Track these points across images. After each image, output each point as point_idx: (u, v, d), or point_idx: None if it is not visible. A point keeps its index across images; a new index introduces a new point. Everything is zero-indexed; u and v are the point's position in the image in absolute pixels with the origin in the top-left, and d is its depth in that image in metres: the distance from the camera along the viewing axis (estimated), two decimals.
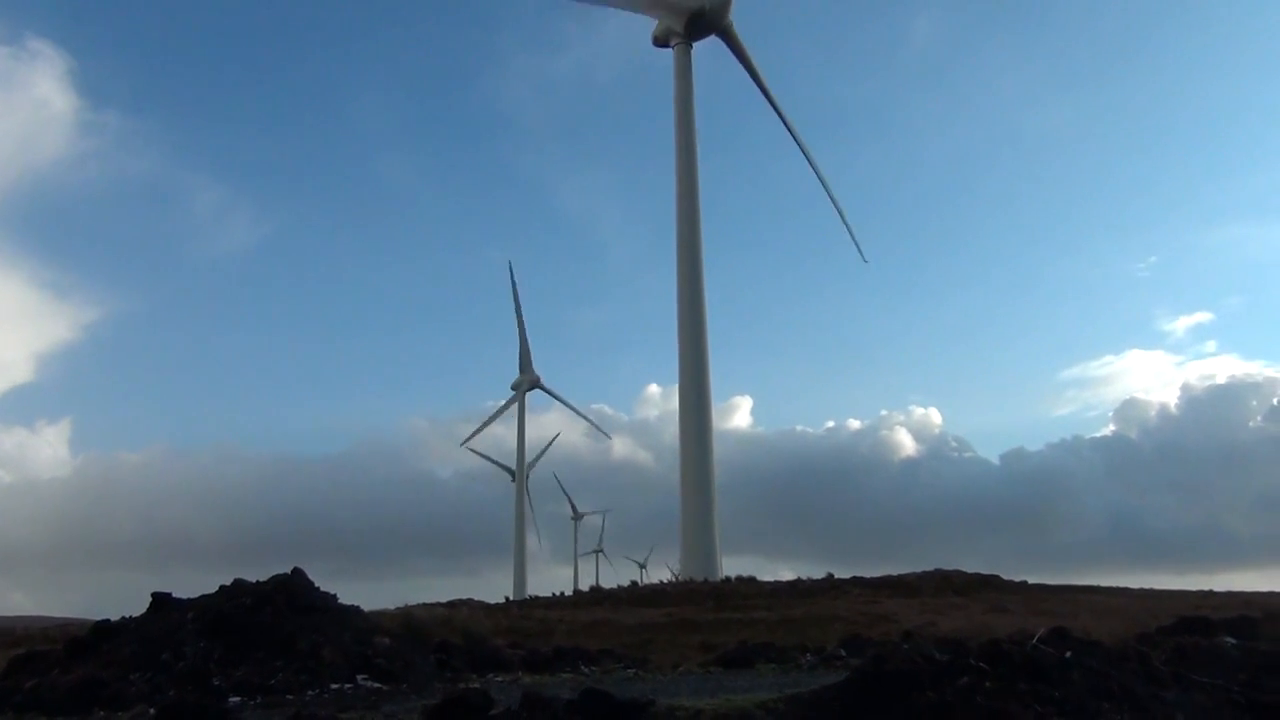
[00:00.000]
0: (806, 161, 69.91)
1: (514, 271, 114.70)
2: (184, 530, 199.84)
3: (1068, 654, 12.14)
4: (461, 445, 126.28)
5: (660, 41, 70.17)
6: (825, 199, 71.02)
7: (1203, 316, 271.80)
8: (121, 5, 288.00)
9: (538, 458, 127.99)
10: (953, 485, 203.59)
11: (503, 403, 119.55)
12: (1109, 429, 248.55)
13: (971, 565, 59.02)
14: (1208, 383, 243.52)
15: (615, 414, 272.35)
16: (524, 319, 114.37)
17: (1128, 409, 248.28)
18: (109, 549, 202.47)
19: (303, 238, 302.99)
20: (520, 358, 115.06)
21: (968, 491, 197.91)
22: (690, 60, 68.43)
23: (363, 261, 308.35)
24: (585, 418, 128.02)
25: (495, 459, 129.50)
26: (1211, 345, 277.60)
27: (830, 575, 56.88)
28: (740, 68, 68.13)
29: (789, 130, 69.29)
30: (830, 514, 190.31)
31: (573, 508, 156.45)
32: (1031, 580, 57.39)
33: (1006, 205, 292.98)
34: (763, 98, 68.97)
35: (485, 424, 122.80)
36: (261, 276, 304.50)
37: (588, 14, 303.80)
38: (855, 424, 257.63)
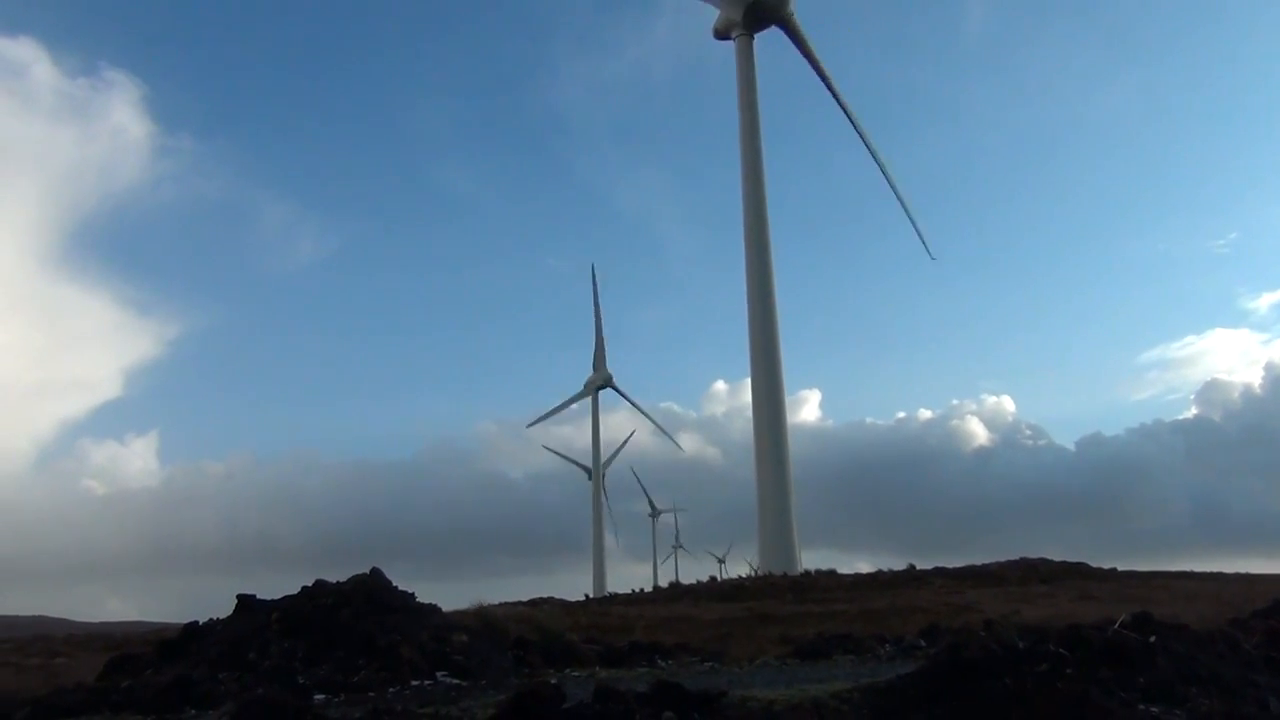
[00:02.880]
0: (871, 156, 68.78)
1: (595, 273, 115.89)
2: (267, 535, 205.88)
3: (1152, 638, 11.82)
4: (529, 426, 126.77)
5: (721, 34, 69.78)
6: (889, 189, 69.82)
7: None
8: (190, 33, 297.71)
9: (612, 457, 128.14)
10: (1027, 473, 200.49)
11: (571, 395, 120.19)
12: (1191, 412, 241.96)
13: (1051, 554, 57.73)
14: None
15: (683, 411, 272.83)
16: (602, 319, 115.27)
17: (1210, 390, 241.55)
18: (198, 555, 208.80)
19: (369, 247, 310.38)
20: (595, 356, 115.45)
21: (1043, 479, 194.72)
22: (752, 52, 67.90)
23: (427, 268, 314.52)
24: (654, 423, 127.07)
25: (570, 456, 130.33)
26: None
27: (912, 566, 56.05)
28: (801, 59, 67.47)
29: (852, 123, 68.32)
30: (904, 506, 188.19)
31: (650, 505, 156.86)
32: (1120, 568, 55.94)
33: (1076, 187, 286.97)
34: (824, 89, 68.21)
35: (553, 411, 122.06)
36: (331, 287, 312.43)
37: (640, 14, 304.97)
38: (926, 414, 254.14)
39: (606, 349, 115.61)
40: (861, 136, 68.57)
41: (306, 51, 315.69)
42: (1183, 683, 10.96)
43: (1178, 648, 11.68)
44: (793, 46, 67.44)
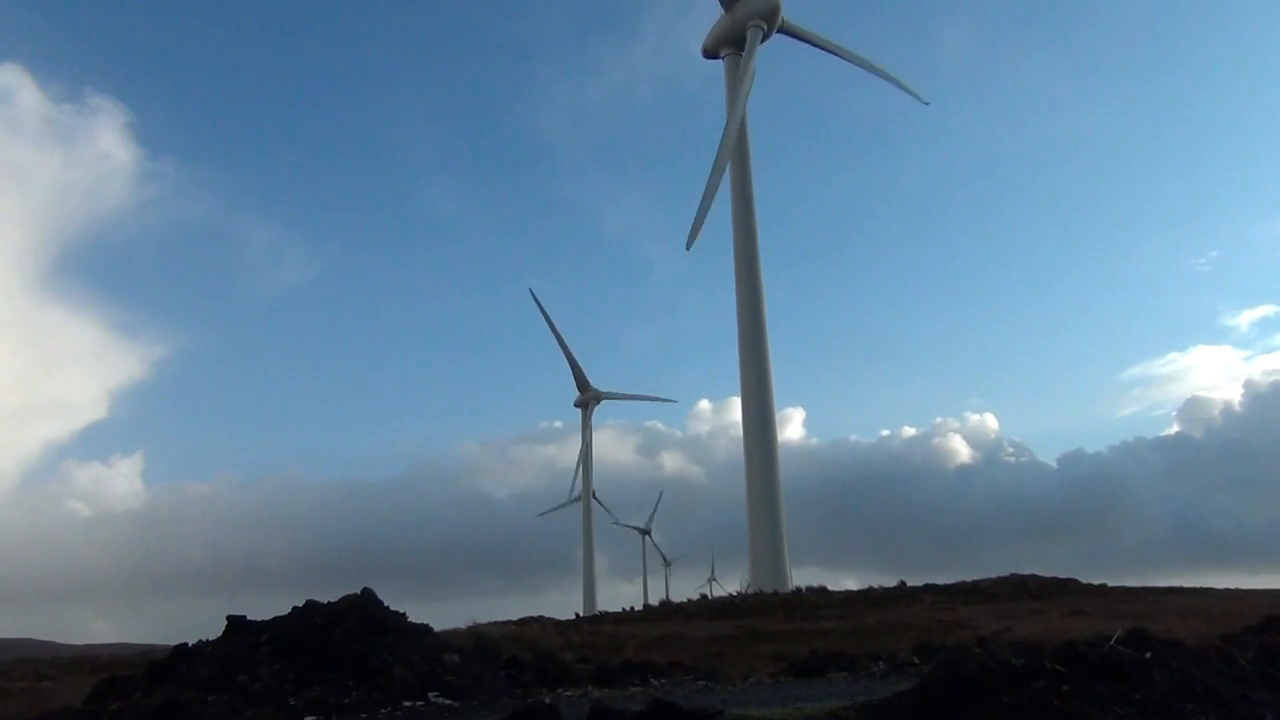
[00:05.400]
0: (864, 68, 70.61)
1: (537, 296, 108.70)
2: (253, 556, 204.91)
3: (1147, 655, 11.80)
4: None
5: (710, 53, 70.16)
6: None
7: (1267, 309, 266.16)
8: (175, 59, 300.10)
9: (584, 464, 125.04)
10: (1010, 491, 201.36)
11: (577, 436, 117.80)
12: (1174, 429, 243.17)
13: (1033, 570, 57.92)
14: (1271, 378, 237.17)
15: (667, 430, 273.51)
16: (565, 340, 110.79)
17: (1191, 407, 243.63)
18: (184, 577, 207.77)
19: (353, 271, 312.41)
20: (575, 378, 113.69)
21: (1025, 497, 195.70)
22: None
23: (411, 291, 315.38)
24: (649, 398, 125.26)
25: (564, 501, 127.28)
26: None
27: (902, 583, 55.96)
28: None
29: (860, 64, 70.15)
30: (888, 524, 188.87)
31: (638, 527, 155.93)
32: (1108, 584, 55.99)
33: (1058, 207, 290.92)
34: (835, 58, 69.86)
35: (577, 470, 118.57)
36: (316, 309, 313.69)
37: (620, 40, 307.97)
38: (910, 432, 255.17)
39: (583, 365, 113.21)
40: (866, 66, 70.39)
41: (290, 77, 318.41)
42: (1179, 699, 10.93)
43: (1173, 664, 11.66)
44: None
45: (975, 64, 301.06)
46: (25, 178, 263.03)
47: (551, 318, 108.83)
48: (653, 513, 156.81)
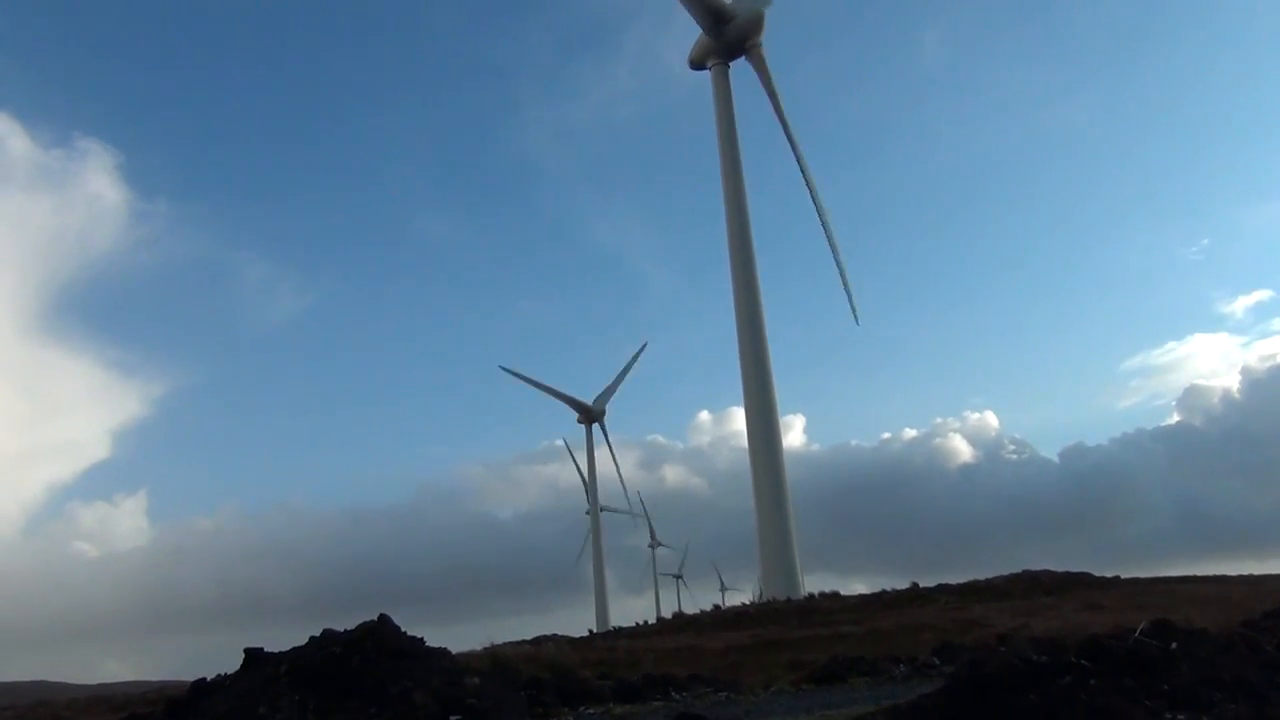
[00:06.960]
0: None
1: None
2: (262, 588, 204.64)
3: (1173, 645, 11.75)
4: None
5: (697, 64, 70.51)
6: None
7: (1262, 295, 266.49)
8: (162, 99, 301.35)
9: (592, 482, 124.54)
10: (1013, 487, 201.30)
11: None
12: (1174, 418, 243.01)
13: (1038, 566, 57.66)
14: (1269, 363, 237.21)
15: (668, 443, 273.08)
16: (547, 385, 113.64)
17: (1191, 396, 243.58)
18: (194, 612, 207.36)
19: (348, 300, 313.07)
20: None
21: (1028, 493, 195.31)
22: (728, 81, 68.61)
23: (406, 317, 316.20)
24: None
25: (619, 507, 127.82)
26: (1277, 323, 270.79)
27: (915, 584, 55.77)
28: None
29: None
30: (893, 526, 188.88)
31: (651, 534, 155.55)
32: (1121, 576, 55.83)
33: (1048, 201, 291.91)
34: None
35: (530, 383, 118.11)
36: (312, 340, 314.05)
37: (601, 58, 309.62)
38: (910, 433, 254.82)
39: (582, 386, 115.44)
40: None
41: (276, 111, 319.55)
42: (1207, 688, 10.88)
43: (1199, 653, 11.62)
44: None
45: (959, 64, 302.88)
46: (17, 223, 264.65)
47: (531, 378, 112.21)
48: (648, 522, 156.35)
